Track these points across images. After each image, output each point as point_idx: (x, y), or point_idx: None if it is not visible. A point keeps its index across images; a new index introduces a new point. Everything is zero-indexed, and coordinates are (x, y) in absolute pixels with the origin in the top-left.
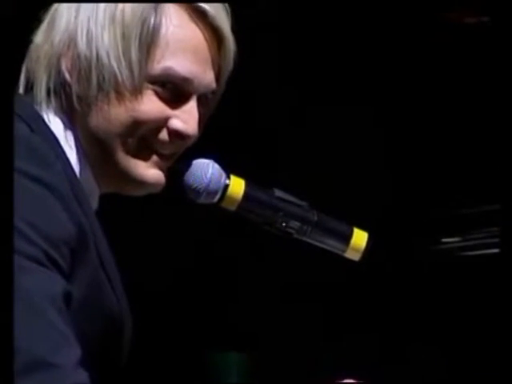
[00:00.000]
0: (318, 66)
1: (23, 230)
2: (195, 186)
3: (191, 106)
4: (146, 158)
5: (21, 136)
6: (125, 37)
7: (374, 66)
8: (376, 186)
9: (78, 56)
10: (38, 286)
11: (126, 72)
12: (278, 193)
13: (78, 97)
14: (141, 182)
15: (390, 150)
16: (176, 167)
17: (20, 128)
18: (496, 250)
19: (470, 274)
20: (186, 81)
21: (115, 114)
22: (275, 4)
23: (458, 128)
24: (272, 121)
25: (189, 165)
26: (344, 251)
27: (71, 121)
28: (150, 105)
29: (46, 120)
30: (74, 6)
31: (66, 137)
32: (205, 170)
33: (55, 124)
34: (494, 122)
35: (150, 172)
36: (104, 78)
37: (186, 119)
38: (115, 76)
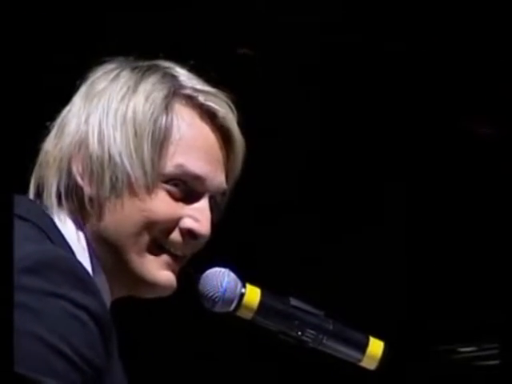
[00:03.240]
0: (336, 185)
1: (69, 355)
2: (211, 294)
3: (203, 205)
4: (157, 257)
5: (62, 258)
6: (137, 136)
7: (386, 180)
8: (392, 295)
9: (90, 157)
10: None
11: (138, 171)
12: (294, 301)
13: (90, 199)
14: (153, 284)
15: (406, 258)
16: (191, 276)
17: (54, 249)
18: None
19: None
20: (197, 179)
21: (128, 214)
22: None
23: (477, 239)
24: (289, 229)
25: (204, 273)
26: (360, 360)
27: (82, 224)
28: (163, 204)
29: (58, 225)
30: (84, 110)
31: (78, 241)
32: (220, 278)
33: (67, 229)
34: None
35: (161, 273)
36: (117, 177)
37: (198, 218)
38: (128, 175)
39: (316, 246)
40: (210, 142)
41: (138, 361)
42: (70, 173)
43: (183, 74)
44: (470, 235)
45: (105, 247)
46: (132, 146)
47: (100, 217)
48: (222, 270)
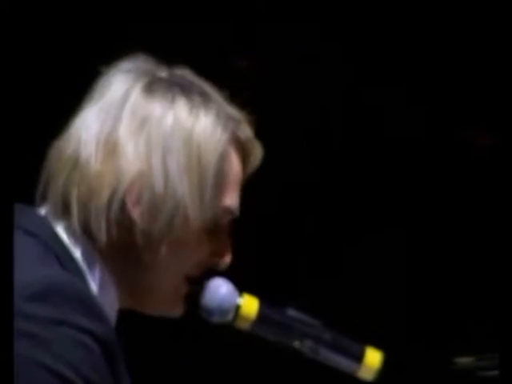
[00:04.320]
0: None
1: (73, 379)
2: (208, 305)
3: (227, 239)
4: (184, 295)
5: (67, 284)
6: (201, 177)
7: (391, 191)
8: (391, 304)
9: (152, 191)
10: None
11: (197, 212)
12: (291, 312)
13: (142, 232)
14: (172, 315)
15: (406, 268)
16: (192, 287)
17: (61, 274)
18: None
19: None
20: (232, 215)
21: (178, 251)
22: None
23: (474, 249)
24: (288, 238)
25: (201, 284)
26: (357, 371)
27: (120, 253)
28: (206, 243)
29: (67, 242)
30: (142, 134)
31: (90, 259)
32: (217, 289)
33: (79, 247)
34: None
35: (181, 308)
36: (176, 214)
37: (223, 253)
38: (187, 214)
39: (315, 255)
40: (240, 175)
41: (136, 368)
42: (123, 203)
43: (222, 104)
44: (469, 245)
45: (139, 280)
46: (196, 189)
47: (146, 250)
48: (219, 280)
